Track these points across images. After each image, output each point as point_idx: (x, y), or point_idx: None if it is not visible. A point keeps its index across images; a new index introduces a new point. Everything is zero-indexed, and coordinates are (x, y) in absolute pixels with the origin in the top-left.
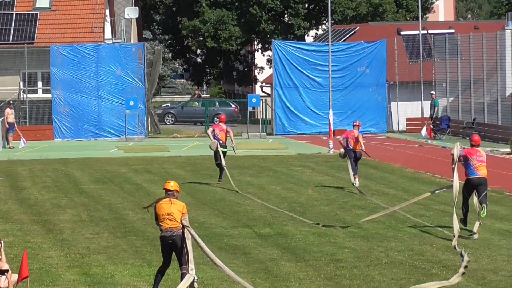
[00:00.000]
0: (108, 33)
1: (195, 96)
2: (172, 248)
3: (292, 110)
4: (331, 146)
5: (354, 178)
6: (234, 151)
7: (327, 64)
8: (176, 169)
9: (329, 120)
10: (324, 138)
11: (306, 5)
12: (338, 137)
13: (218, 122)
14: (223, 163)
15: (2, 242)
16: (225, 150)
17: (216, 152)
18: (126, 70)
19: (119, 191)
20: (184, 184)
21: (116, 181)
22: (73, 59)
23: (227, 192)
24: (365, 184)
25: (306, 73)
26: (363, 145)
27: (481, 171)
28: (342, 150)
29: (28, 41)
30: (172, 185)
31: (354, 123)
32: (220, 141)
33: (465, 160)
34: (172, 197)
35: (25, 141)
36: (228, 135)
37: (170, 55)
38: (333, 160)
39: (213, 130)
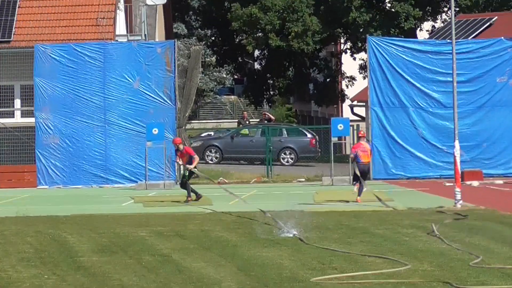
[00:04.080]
0: (121, 27)
1: (264, 119)
2: None
3: (398, 141)
4: (458, 196)
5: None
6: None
7: (450, 72)
8: (222, 232)
9: (454, 156)
10: (447, 184)
11: None
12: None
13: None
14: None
15: None
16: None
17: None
18: (147, 81)
19: (135, 265)
20: (235, 254)
21: (131, 251)
22: (69, 65)
23: (300, 268)
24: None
25: (418, 85)
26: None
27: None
28: (356, 169)
29: (2, 39)
30: None
31: (359, 134)
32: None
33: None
34: None
35: None
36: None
37: (213, 59)
38: (462, 217)
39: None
